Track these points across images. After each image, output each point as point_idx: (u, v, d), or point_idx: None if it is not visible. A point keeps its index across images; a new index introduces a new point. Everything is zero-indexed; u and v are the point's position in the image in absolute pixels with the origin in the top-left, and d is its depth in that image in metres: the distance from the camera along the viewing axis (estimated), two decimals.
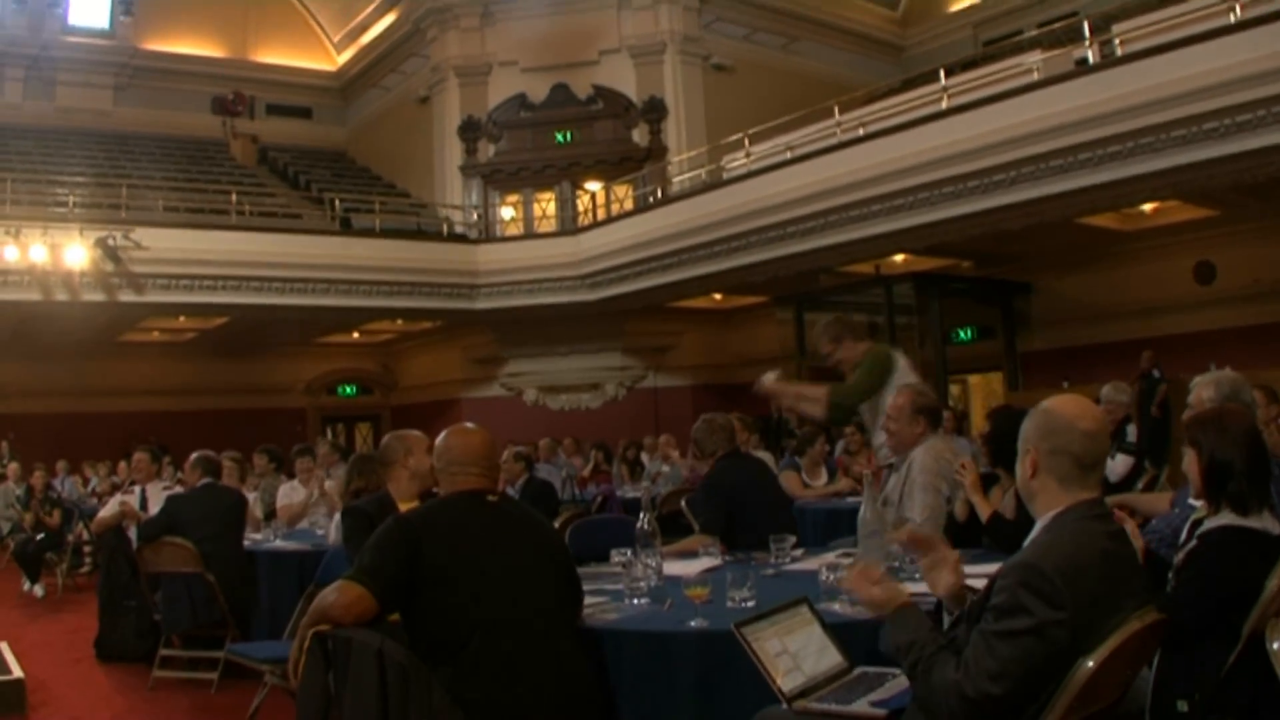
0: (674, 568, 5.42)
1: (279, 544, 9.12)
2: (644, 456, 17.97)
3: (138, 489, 10.90)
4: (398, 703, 3.67)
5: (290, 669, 4.10)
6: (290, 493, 10.89)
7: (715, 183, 22.09)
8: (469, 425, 4.72)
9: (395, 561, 4.07)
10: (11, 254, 19.83)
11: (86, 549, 14.73)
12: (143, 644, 9.12)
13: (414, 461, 6.14)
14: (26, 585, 14.39)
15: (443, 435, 4.63)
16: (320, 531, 8.70)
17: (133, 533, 9.55)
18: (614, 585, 5.05)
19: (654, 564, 5.02)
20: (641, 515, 5.29)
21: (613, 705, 4.23)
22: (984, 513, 5.65)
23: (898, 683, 3.66)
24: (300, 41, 34.04)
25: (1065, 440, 3.30)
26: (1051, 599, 2.99)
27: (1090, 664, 3.03)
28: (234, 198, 24.53)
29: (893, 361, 7.46)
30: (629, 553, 5.28)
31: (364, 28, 32.26)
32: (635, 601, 4.74)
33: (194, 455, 9.29)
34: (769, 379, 7.79)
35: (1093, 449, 3.35)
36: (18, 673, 7.97)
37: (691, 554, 6.12)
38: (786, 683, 3.61)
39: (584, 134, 27.85)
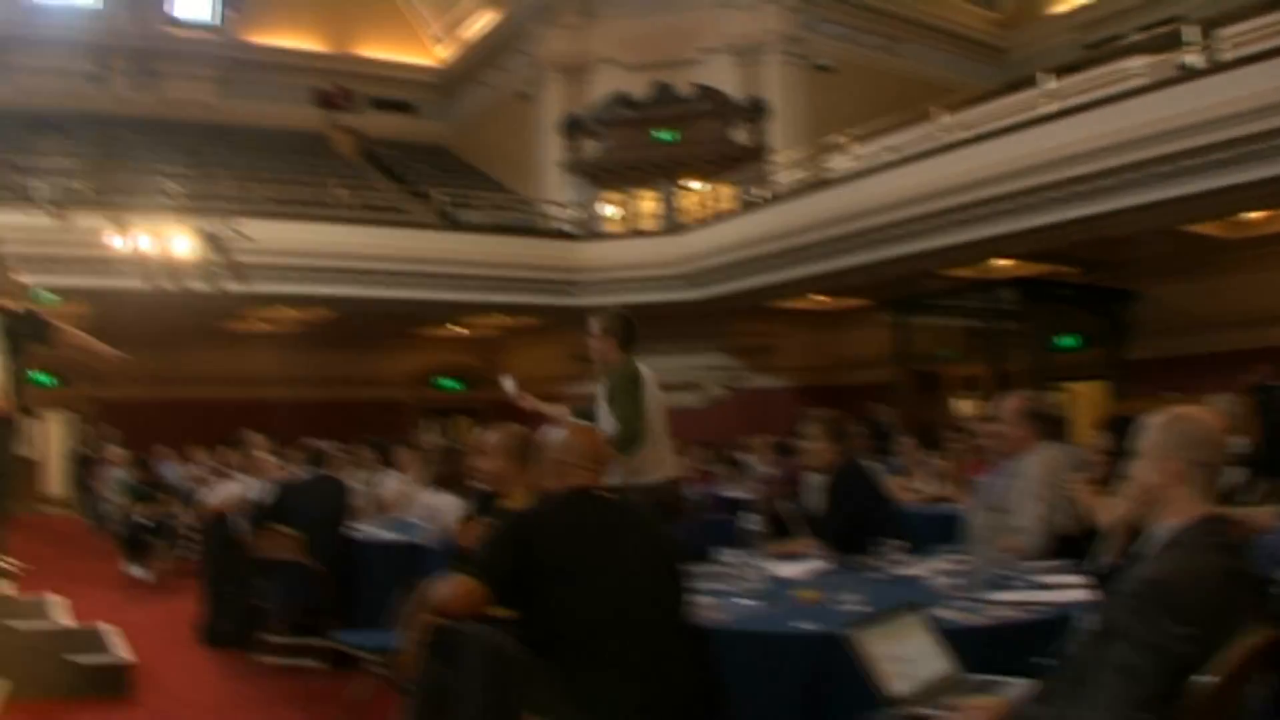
0: (782, 569, 5.42)
1: (382, 534, 9.17)
2: (745, 457, 17.84)
3: (243, 477, 11.04)
4: (508, 697, 3.68)
5: (402, 660, 4.15)
6: (394, 484, 10.99)
7: (817, 183, 21.97)
8: (579, 421, 4.73)
9: (508, 557, 4.10)
10: (119, 244, 20.08)
11: (189, 534, 14.91)
12: (245, 630, 9.17)
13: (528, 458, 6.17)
14: (130, 569, 14.58)
15: (555, 431, 4.65)
16: (421, 523, 8.77)
17: (238, 520, 9.68)
18: (722, 585, 5.03)
19: (762, 565, 5.02)
20: (749, 515, 5.31)
21: (720, 706, 4.21)
22: (1105, 518, 5.52)
23: (1008, 690, 3.65)
24: (402, 37, 34.37)
25: (1211, 453, 3.29)
26: (1181, 615, 2.97)
27: (1211, 681, 3.00)
28: (338, 191, 24.76)
29: (640, 376, 7.54)
30: (737, 553, 5.28)
31: (465, 24, 32.59)
32: (744, 602, 4.73)
33: (302, 444, 9.42)
34: (510, 385, 7.92)
35: (1224, 461, 3.35)
36: (124, 656, 8.08)
37: (798, 556, 6.10)
38: (897, 687, 3.60)
39: (686, 132, 27.69)
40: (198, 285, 20.72)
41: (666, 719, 4.04)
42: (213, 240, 20.45)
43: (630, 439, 7.23)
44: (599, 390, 7.59)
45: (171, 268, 20.45)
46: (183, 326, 24.30)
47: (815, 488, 7.15)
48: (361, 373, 29.50)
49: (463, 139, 33.85)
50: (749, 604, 4.72)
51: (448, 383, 32.07)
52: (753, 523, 5.23)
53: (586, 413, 7.58)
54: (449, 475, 8.33)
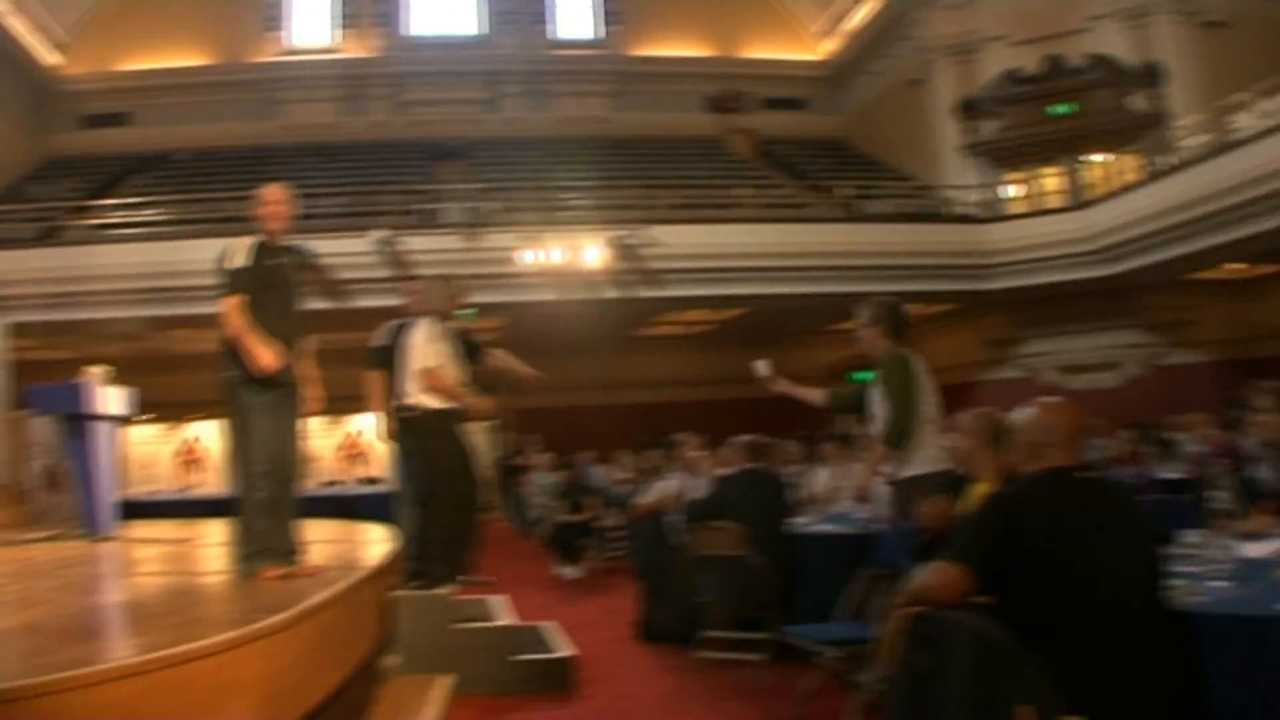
0: (1248, 549, 5.22)
1: (822, 526, 9.22)
2: (1175, 435, 17.19)
3: (679, 475, 11.32)
4: (996, 685, 3.61)
5: (879, 651, 4.14)
6: (827, 477, 11.04)
7: (1224, 145, 21.01)
8: (1054, 399, 4.60)
9: (993, 541, 4.06)
10: (530, 258, 20.91)
11: (616, 534, 15.30)
12: (684, 626, 9.26)
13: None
14: (560, 570, 15.12)
15: (1027, 410, 4.54)
16: (860, 514, 8.77)
17: (673, 517, 9.89)
18: (1186, 567, 4.87)
19: (1230, 544, 4.86)
20: (1214, 494, 5.13)
21: (1203, 691, 4.08)
22: None
23: None
24: (783, 35, 34.62)
25: None
26: None
27: None
28: (740, 191, 25.04)
29: (909, 364, 7.40)
30: (1201, 533, 5.13)
31: (846, 16, 32.60)
32: (1217, 584, 4.58)
33: (738, 439, 9.59)
34: (762, 369, 8.53)
35: None
36: (569, 650, 8.35)
37: (1262, 534, 5.86)
38: None
39: (1082, 104, 27.04)
40: (610, 293, 21.32)
41: (1153, 706, 3.93)
42: (623, 249, 21.02)
43: (901, 430, 7.26)
44: (873, 380, 7.51)
45: (584, 278, 21.10)
46: (596, 334, 24.93)
47: (1266, 462, 6.87)
48: (775, 369, 29.67)
49: (857, 130, 33.76)
50: (1223, 585, 4.56)
51: (862, 375, 31.90)
52: (1219, 501, 5.04)
53: (849, 397, 7.53)
54: None
